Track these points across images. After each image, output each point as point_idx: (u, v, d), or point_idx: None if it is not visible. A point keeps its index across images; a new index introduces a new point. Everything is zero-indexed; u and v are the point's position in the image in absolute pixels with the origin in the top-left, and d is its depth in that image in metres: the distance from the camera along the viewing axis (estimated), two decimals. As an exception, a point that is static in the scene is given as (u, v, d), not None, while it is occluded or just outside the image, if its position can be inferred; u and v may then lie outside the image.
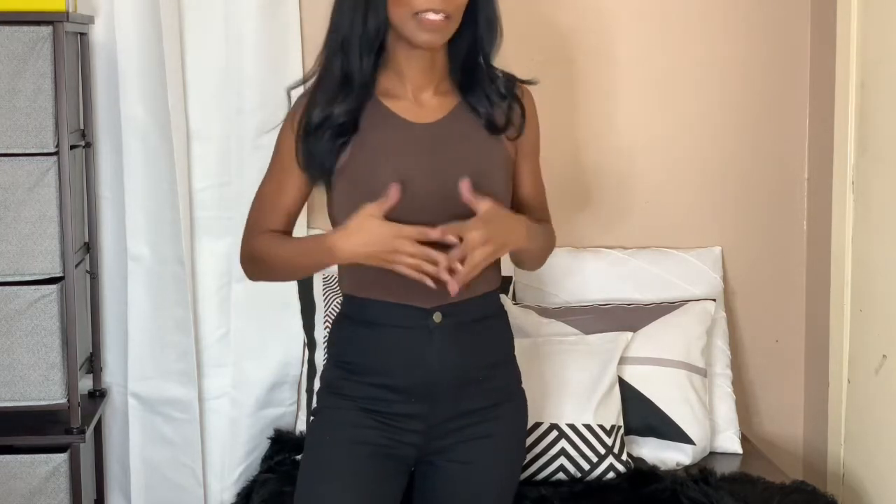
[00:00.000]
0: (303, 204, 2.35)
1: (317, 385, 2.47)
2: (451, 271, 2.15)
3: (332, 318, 2.61)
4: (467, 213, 2.18)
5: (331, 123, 2.22)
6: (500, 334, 2.37)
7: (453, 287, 2.14)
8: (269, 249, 2.31)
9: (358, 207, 2.17)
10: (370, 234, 2.15)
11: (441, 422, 2.28)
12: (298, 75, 2.86)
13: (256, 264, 2.34)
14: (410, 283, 2.20)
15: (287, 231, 2.35)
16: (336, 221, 2.27)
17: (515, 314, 3.19)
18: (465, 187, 2.17)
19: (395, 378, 2.25)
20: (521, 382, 2.41)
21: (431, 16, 2.16)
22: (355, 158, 2.24)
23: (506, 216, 2.24)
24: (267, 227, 2.33)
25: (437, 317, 2.24)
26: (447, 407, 2.27)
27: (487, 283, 2.30)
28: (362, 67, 2.22)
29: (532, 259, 2.45)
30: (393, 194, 2.14)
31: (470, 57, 2.29)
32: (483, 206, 2.17)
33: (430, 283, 2.15)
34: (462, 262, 2.15)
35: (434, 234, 2.13)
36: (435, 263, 2.14)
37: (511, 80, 2.36)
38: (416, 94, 2.28)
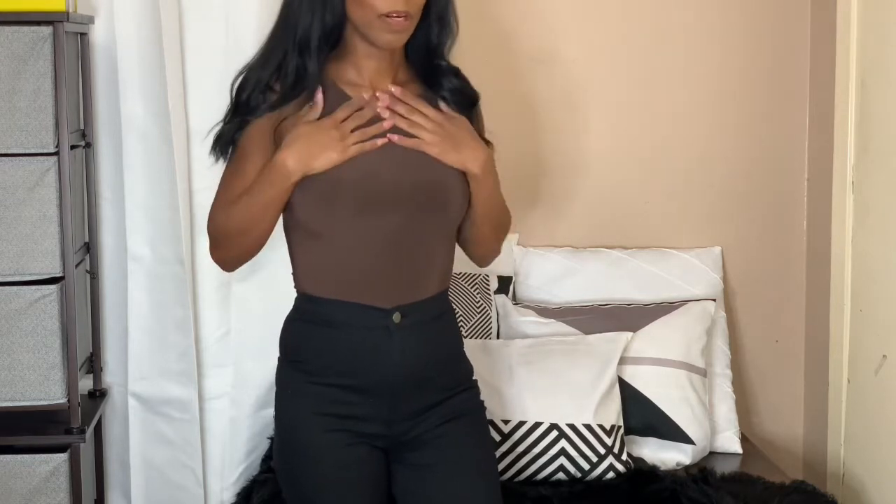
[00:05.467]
0: None
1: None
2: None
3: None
4: (437, 203, 2.24)
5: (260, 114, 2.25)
6: (453, 331, 2.38)
7: (384, 100, 2.23)
8: (229, 208, 2.26)
9: (324, 202, 2.20)
10: (308, 135, 2.19)
11: (400, 420, 2.28)
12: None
13: (225, 226, 2.27)
14: (369, 283, 2.23)
15: None
16: (297, 218, 2.24)
17: (515, 314, 3.19)
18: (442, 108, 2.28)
19: (354, 378, 2.25)
20: (473, 374, 2.41)
21: (395, 17, 2.18)
22: None
23: (471, 133, 2.30)
24: None
25: (396, 317, 2.24)
26: (405, 405, 2.28)
27: (441, 281, 2.32)
28: (318, 67, 2.24)
29: (485, 227, 2.36)
30: (318, 99, 2.21)
31: (426, 51, 2.32)
32: (452, 115, 2.29)
33: (380, 141, 2.21)
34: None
35: (356, 102, 2.21)
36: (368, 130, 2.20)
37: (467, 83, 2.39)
38: (374, 85, 2.29)
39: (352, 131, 2.20)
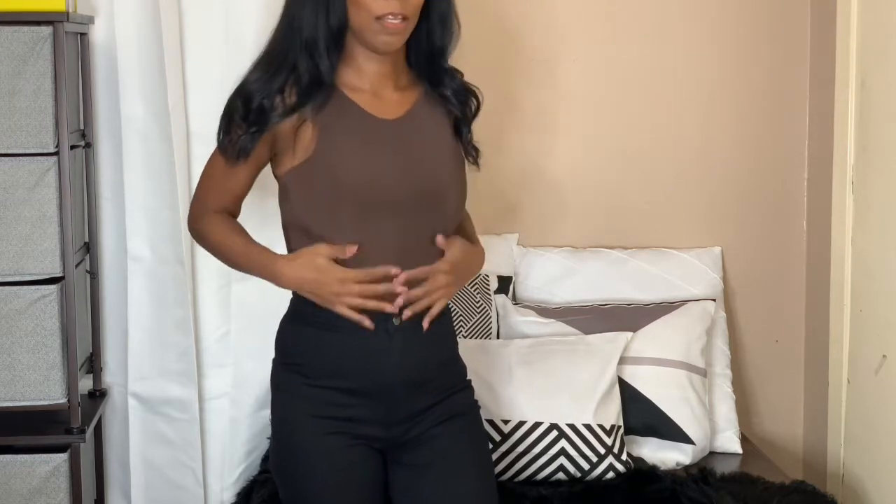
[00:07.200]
0: (250, 186, 2.37)
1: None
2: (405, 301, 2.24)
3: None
4: (436, 207, 2.24)
5: (277, 117, 2.24)
6: (449, 333, 2.39)
7: (406, 312, 2.23)
8: (215, 236, 2.37)
9: (326, 207, 2.20)
10: (318, 273, 2.21)
11: (398, 421, 2.28)
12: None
13: (202, 240, 2.42)
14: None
15: (234, 210, 2.40)
16: (297, 219, 2.26)
17: (515, 314, 3.19)
18: (440, 241, 2.26)
19: (352, 381, 2.25)
20: (467, 374, 2.42)
21: (391, 19, 2.19)
22: (321, 152, 2.23)
23: (470, 254, 2.33)
24: (215, 206, 2.37)
25: (396, 319, 2.25)
26: (403, 407, 2.28)
27: None
28: (331, 67, 2.23)
29: None
30: (349, 251, 2.20)
31: (429, 54, 2.31)
32: (453, 249, 2.26)
33: (367, 323, 2.21)
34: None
35: (379, 272, 2.20)
36: (379, 298, 2.21)
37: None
38: (375, 89, 2.29)
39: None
